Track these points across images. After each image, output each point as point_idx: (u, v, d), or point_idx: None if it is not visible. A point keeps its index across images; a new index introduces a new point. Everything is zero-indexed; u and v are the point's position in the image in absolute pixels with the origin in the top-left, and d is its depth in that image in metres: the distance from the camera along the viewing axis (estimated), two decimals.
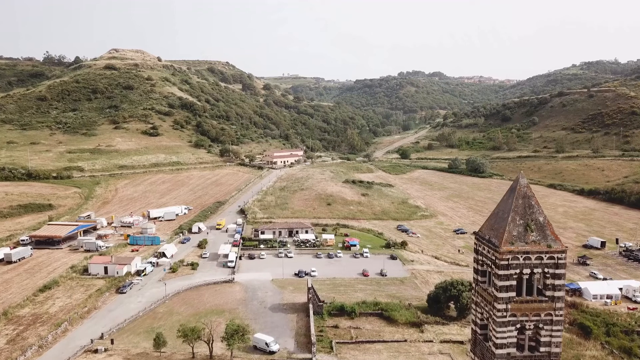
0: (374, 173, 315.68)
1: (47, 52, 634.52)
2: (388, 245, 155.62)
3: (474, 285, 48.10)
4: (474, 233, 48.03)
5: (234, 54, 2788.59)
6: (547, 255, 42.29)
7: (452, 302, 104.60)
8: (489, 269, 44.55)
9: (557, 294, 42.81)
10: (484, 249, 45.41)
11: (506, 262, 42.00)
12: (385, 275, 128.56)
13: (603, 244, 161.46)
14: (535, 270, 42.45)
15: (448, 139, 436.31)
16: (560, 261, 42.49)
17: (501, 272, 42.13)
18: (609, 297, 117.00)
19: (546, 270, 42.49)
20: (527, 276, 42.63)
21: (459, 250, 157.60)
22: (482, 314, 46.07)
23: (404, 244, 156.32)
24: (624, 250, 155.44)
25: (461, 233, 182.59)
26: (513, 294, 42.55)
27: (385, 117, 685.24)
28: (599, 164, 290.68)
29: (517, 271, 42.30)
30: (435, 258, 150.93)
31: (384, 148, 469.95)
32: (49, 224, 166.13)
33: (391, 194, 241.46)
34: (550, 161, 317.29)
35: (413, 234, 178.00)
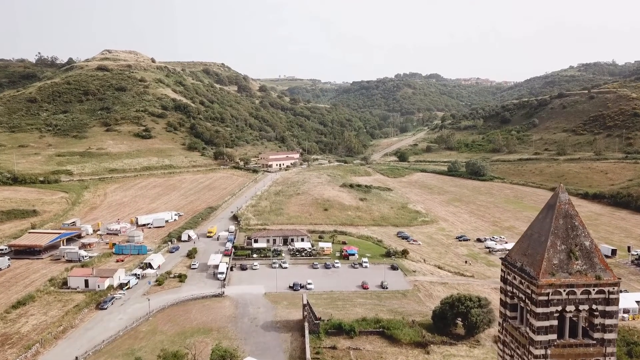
0: (372, 176, 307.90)
1: (39, 53, 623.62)
2: (388, 254, 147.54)
3: (501, 321, 40.03)
4: (502, 259, 40.11)
5: (231, 54, 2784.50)
6: (596, 289, 34.33)
7: (460, 319, 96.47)
8: (522, 304, 36.54)
9: (607, 336, 34.81)
10: (514, 278, 37.35)
11: (545, 298, 33.98)
12: (386, 288, 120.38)
13: (614, 251, 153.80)
14: (580, 307, 34.49)
15: (447, 141, 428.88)
16: (611, 296, 34.52)
17: (539, 310, 34.09)
18: (626, 311, 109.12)
19: (594, 307, 34.52)
20: (570, 314, 34.71)
21: (465, 262, 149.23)
22: (512, 357, 38.02)
23: (404, 253, 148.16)
24: (636, 259, 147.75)
25: (464, 240, 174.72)
26: (554, 336, 34.51)
27: (383, 119, 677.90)
28: (602, 167, 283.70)
29: (559, 308, 34.31)
30: (438, 268, 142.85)
31: (381, 150, 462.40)
32: (30, 232, 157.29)
33: (390, 199, 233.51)
34: (552, 164, 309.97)
35: (414, 241, 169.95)
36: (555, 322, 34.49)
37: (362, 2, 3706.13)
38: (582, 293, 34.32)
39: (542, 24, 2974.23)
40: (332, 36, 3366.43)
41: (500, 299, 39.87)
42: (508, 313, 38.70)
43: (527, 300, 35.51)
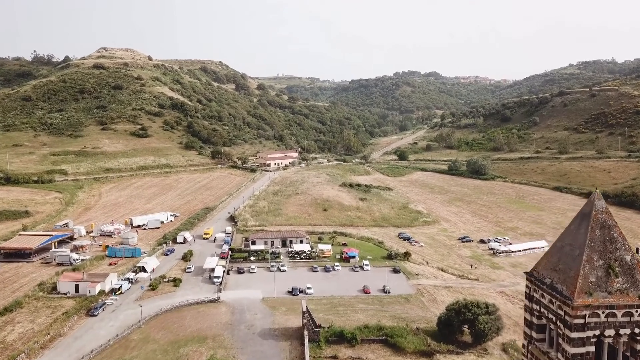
0: (371, 175, 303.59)
1: (34, 51, 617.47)
2: (390, 256, 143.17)
3: (525, 343, 35.73)
4: (526, 273, 35.78)
5: (230, 54, 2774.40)
6: None
7: (467, 326, 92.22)
8: (552, 326, 32.24)
9: None
10: (543, 296, 32.99)
11: (582, 321, 29.68)
12: (389, 293, 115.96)
13: None
14: (621, 332, 30.22)
15: (447, 140, 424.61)
16: None
17: (574, 335, 29.79)
18: None
19: (637, 330, 30.27)
20: (609, 339, 30.44)
21: (471, 266, 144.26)
22: None
23: (407, 255, 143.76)
24: None
25: (467, 241, 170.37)
26: None
27: (382, 118, 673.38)
28: (605, 166, 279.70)
29: (596, 333, 30.03)
30: (442, 270, 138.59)
31: (381, 149, 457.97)
32: (20, 234, 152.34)
33: (391, 198, 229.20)
34: (554, 162, 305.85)
35: (416, 242, 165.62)
36: (592, 349, 30.16)
37: (362, 2, 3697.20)
38: (623, 315, 29.98)
39: (542, 24, 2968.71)
40: (332, 36, 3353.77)
41: (525, 318, 35.51)
42: (534, 335, 34.33)
43: (558, 323, 31.18)
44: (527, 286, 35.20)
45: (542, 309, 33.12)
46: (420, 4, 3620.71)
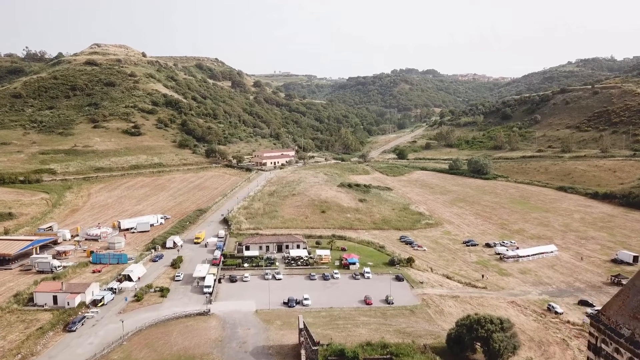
0: (370, 175, 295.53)
1: (26, 47, 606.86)
2: (392, 262, 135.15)
3: None
4: (590, 317, 27.76)
5: (227, 51, 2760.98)
6: None
7: (480, 344, 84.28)
8: None
9: None
10: (617, 352, 24.95)
11: None
12: (392, 304, 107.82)
13: (636, 258, 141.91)
14: None
15: (446, 138, 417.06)
16: None
17: None
18: None
19: None
20: None
21: (482, 276, 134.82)
22: None
23: (410, 261, 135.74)
24: None
25: (472, 245, 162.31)
26: None
27: (380, 115, 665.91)
28: (610, 165, 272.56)
29: None
30: (447, 277, 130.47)
31: (379, 148, 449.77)
32: (0, 239, 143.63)
33: (391, 199, 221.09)
34: (557, 162, 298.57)
35: (419, 247, 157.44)
36: None
37: (363, 1, 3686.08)
38: None
39: (542, 24, 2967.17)
40: (332, 36, 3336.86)
41: None
42: None
43: None
44: (591, 334, 27.11)
45: None
46: (420, 4, 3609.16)
